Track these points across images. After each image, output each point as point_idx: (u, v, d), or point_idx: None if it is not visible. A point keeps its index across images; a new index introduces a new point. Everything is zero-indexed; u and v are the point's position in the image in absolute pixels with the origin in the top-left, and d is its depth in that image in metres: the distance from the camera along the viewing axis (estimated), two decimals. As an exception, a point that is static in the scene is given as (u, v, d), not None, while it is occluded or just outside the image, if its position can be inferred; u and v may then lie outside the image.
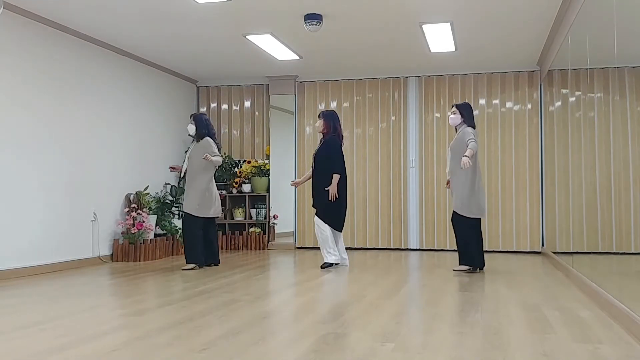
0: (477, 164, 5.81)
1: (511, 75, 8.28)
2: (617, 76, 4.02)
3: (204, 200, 6.23)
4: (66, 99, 6.45)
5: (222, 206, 6.55)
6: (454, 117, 5.91)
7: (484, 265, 5.98)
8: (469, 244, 5.85)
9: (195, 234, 6.21)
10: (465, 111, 5.90)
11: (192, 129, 6.34)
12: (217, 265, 6.50)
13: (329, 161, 6.22)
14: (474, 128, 5.89)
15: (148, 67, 7.98)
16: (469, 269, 5.91)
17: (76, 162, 6.58)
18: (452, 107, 5.98)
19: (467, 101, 6.16)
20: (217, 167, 6.50)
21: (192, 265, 6.19)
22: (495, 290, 4.81)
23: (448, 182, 6.02)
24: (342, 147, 6.34)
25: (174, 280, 5.45)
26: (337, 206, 6.25)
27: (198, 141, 6.32)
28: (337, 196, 6.19)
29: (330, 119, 6.32)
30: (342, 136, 6.42)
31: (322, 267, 6.25)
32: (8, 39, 5.70)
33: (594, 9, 4.45)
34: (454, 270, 5.98)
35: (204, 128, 6.35)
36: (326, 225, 6.25)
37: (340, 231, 6.37)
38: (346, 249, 8.58)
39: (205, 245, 6.34)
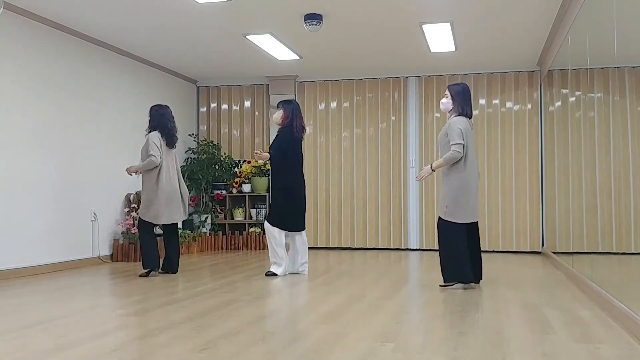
0: (467, 160, 4.86)
1: (511, 75, 8.28)
2: (617, 76, 4.02)
3: (153, 204, 5.65)
4: (66, 99, 6.45)
5: (184, 211, 5.85)
6: (446, 102, 5.02)
7: (481, 279, 5.07)
8: (452, 256, 4.88)
9: (144, 238, 5.71)
10: (459, 96, 4.97)
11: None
12: (175, 273, 5.88)
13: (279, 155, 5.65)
14: (470, 117, 5.00)
15: (148, 67, 7.98)
16: (448, 285, 4.92)
17: (76, 162, 6.58)
18: (447, 88, 5.11)
19: (465, 83, 5.25)
20: (159, 166, 5.69)
21: (144, 271, 5.69)
22: (495, 290, 4.81)
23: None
24: (298, 138, 5.71)
25: (174, 280, 5.45)
26: (283, 204, 5.63)
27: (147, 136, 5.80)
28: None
29: (291, 111, 5.70)
30: (304, 128, 5.78)
31: (266, 274, 5.68)
32: (8, 39, 5.70)
33: (594, 9, 4.45)
34: (440, 285, 5.01)
35: (154, 120, 5.80)
36: (274, 228, 5.62)
37: (293, 231, 5.71)
38: (346, 249, 8.61)
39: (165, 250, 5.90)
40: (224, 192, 8.87)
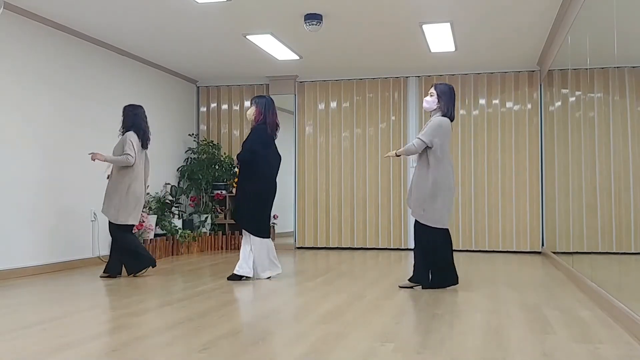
0: (443, 159, 4.74)
1: (511, 75, 8.28)
2: (617, 76, 4.02)
3: (123, 205, 5.52)
4: (66, 99, 6.45)
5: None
6: (430, 101, 4.84)
7: (456, 282, 4.89)
8: (433, 260, 4.80)
9: (129, 239, 5.60)
10: (445, 96, 4.80)
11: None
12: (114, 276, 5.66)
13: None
14: (452, 119, 4.85)
15: (148, 67, 7.98)
16: (412, 286, 4.85)
17: (76, 161, 6.57)
18: (432, 86, 4.92)
19: (451, 84, 5.09)
20: (130, 166, 5.57)
21: (143, 270, 5.66)
22: (495, 290, 4.81)
23: None
24: (271, 137, 5.43)
25: (173, 280, 5.45)
26: (252, 210, 5.38)
27: (122, 134, 5.68)
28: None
29: (263, 106, 5.40)
30: (278, 125, 5.48)
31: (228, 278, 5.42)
32: (8, 39, 5.70)
33: (594, 9, 4.45)
34: (399, 286, 4.93)
35: (128, 120, 5.67)
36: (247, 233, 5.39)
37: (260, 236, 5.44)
38: (346, 249, 8.61)
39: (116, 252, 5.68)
40: (224, 192, 8.87)
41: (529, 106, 8.19)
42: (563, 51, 5.94)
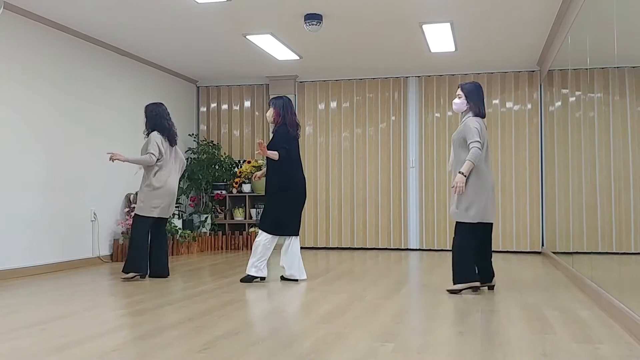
0: (483, 160, 4.71)
1: (511, 75, 8.28)
2: (617, 76, 4.01)
3: (148, 198, 5.51)
4: (66, 99, 6.45)
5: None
6: (459, 103, 4.80)
7: (491, 281, 4.86)
8: (463, 256, 4.72)
9: (140, 239, 5.49)
10: (472, 95, 4.78)
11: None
12: (165, 277, 5.63)
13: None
14: (483, 117, 4.81)
15: (148, 67, 7.98)
16: (463, 290, 4.71)
17: (76, 162, 6.58)
18: (458, 87, 4.87)
19: (476, 81, 5.06)
20: (152, 164, 5.53)
21: (131, 274, 5.43)
22: (495, 290, 4.81)
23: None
24: (294, 136, 5.39)
25: (174, 280, 5.45)
26: (275, 207, 5.31)
27: (147, 136, 5.66)
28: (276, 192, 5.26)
29: (281, 107, 5.39)
30: (298, 125, 5.48)
31: (241, 280, 5.34)
32: (7, 39, 5.70)
33: (594, 9, 4.45)
34: (447, 290, 4.79)
35: (150, 121, 5.67)
36: (262, 232, 5.31)
37: (284, 235, 5.37)
38: (346, 249, 8.60)
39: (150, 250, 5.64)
40: (224, 192, 8.87)
41: (529, 106, 8.19)
42: (563, 51, 5.94)
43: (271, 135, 5.58)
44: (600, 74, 4.43)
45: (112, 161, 5.49)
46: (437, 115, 8.48)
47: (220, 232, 8.75)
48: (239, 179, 8.98)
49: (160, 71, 8.27)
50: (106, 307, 4.16)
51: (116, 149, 7.26)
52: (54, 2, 5.63)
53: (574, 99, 5.49)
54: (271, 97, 5.59)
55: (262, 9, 5.79)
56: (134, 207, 7.20)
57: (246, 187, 8.94)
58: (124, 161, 5.49)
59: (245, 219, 8.95)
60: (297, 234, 5.44)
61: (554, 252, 6.98)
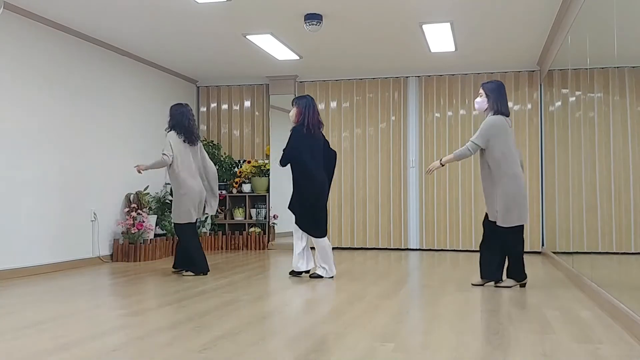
0: (504, 160, 4.71)
1: (511, 75, 8.28)
2: (617, 76, 4.01)
3: (177, 205, 5.71)
4: (66, 99, 6.45)
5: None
6: (480, 101, 4.83)
7: (524, 279, 4.97)
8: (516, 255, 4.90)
9: (192, 241, 5.78)
10: (494, 93, 4.76)
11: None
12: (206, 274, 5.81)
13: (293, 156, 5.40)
14: (507, 115, 4.80)
15: (148, 67, 7.98)
16: (516, 284, 4.92)
17: (76, 162, 6.58)
18: (480, 87, 4.92)
19: (499, 80, 5.12)
20: (169, 164, 5.64)
21: (191, 273, 5.76)
22: (495, 290, 4.81)
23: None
24: (313, 135, 5.42)
25: (174, 280, 5.44)
26: (304, 208, 5.42)
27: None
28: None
29: (304, 106, 5.43)
30: (321, 123, 5.54)
31: (311, 276, 5.55)
32: (7, 39, 5.70)
33: (594, 9, 4.45)
34: (496, 285, 4.94)
35: (172, 120, 5.76)
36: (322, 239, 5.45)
37: (315, 236, 5.45)
38: (346, 249, 8.61)
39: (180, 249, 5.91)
40: (224, 192, 8.87)
41: (529, 106, 8.19)
42: (563, 51, 5.94)
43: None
44: (600, 74, 4.43)
45: (140, 173, 5.77)
46: (437, 115, 8.48)
47: (220, 232, 8.75)
48: (239, 179, 8.98)
49: (160, 71, 8.27)
50: (106, 307, 4.16)
51: (116, 148, 7.27)
52: (54, 3, 5.63)
53: (574, 99, 5.49)
54: (296, 96, 5.66)
55: (262, 9, 5.79)
56: (134, 207, 7.22)
57: (246, 187, 8.94)
58: (145, 169, 5.74)
59: (245, 219, 8.95)
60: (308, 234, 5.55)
61: (554, 252, 6.98)
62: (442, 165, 4.92)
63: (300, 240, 5.50)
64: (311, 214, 5.42)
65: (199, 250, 5.82)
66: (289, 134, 5.51)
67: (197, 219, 5.86)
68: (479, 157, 4.93)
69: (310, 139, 5.43)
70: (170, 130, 5.72)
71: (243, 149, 9.23)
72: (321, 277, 5.48)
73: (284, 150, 5.48)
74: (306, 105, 5.43)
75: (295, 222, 5.48)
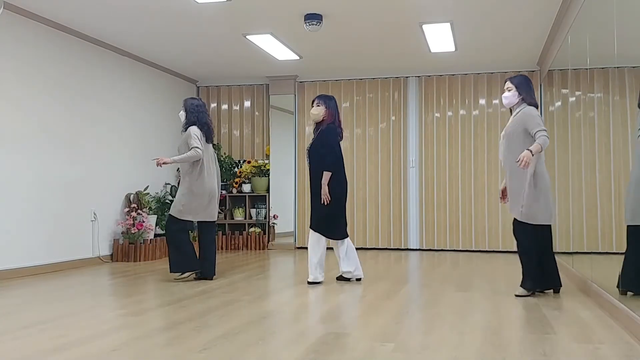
0: (541, 158, 4.49)
1: (511, 75, 8.27)
2: (617, 76, 4.01)
3: (191, 200, 5.38)
4: (66, 99, 6.45)
5: (218, 207, 5.54)
6: (509, 96, 4.56)
7: (559, 285, 4.68)
8: (530, 259, 4.57)
9: (182, 237, 5.41)
10: (523, 85, 4.56)
11: (182, 116, 5.51)
12: (210, 278, 5.47)
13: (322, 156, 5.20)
14: (537, 107, 4.58)
15: (148, 67, 7.98)
16: (530, 294, 4.54)
17: (76, 162, 6.58)
18: (506, 81, 4.65)
19: (525, 74, 4.89)
20: (198, 161, 5.38)
21: (184, 275, 5.44)
22: (495, 290, 4.81)
23: (503, 194, 4.74)
24: (340, 141, 5.34)
25: (173, 280, 5.44)
26: (329, 210, 5.22)
27: (185, 131, 5.46)
28: (329, 199, 5.14)
29: (334, 108, 5.32)
30: (342, 128, 5.42)
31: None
32: (7, 39, 5.70)
33: (594, 9, 4.45)
34: (515, 295, 4.57)
35: (192, 115, 5.44)
36: (315, 234, 5.25)
37: (336, 239, 5.33)
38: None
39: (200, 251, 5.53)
40: (224, 192, 8.87)
41: (529, 106, 8.18)
42: (563, 51, 5.94)
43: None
44: (600, 74, 4.43)
45: (159, 166, 5.28)
46: (437, 115, 8.47)
47: (220, 232, 8.75)
48: (239, 179, 8.98)
49: (160, 71, 8.27)
50: (106, 307, 4.16)
51: (116, 148, 7.27)
52: (54, 3, 5.63)
53: (573, 99, 5.49)
54: (319, 94, 5.48)
55: (262, 9, 5.79)
56: (134, 207, 7.22)
57: (246, 187, 8.94)
58: (171, 163, 5.29)
59: (245, 219, 8.95)
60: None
61: (554, 252, 6.96)
62: (533, 155, 4.30)
63: (320, 246, 5.26)
64: (337, 215, 5.24)
65: (184, 248, 5.41)
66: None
67: (193, 221, 5.56)
68: (505, 153, 4.57)
69: (339, 140, 5.33)
70: (192, 125, 5.41)
71: (243, 149, 9.23)
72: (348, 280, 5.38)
73: (322, 151, 5.19)
74: (335, 107, 5.32)
75: (316, 228, 5.23)
